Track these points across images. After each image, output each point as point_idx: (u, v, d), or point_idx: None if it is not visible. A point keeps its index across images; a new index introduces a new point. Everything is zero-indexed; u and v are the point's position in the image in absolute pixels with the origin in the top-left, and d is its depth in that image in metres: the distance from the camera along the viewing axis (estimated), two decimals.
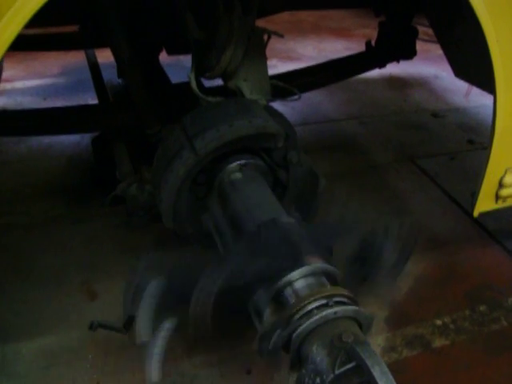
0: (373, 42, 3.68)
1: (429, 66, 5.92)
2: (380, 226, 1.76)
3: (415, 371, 2.34)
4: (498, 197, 2.39)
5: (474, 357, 2.43)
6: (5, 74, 4.53)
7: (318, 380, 1.31)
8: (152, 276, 1.68)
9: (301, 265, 1.55)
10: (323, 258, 1.62)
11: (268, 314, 1.55)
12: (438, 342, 2.49)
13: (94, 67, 3.60)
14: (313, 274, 1.55)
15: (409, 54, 3.66)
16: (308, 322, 1.40)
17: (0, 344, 2.34)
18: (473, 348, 2.47)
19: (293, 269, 1.54)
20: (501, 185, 2.34)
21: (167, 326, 1.64)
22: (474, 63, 2.57)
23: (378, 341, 2.44)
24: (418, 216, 3.33)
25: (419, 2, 3.17)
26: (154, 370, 1.60)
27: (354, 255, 1.68)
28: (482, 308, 2.68)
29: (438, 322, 2.59)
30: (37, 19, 1.43)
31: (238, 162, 2.08)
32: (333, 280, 1.59)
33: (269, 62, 2.49)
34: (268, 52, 2.44)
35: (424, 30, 3.96)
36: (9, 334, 2.39)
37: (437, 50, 3.17)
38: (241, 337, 1.89)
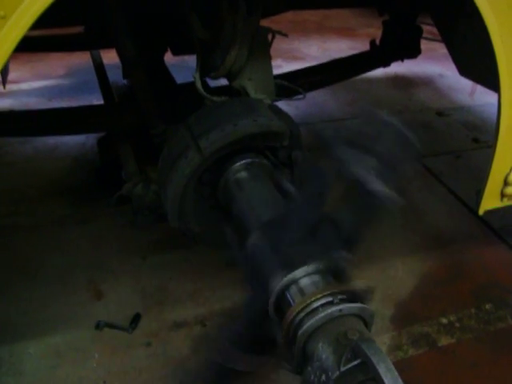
0: (377, 41, 3.68)
1: (433, 64, 5.91)
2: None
3: (421, 370, 2.34)
4: (503, 195, 2.38)
5: (480, 355, 2.43)
6: (11, 76, 4.54)
7: (323, 377, 1.31)
8: None
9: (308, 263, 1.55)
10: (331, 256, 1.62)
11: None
12: (444, 341, 2.49)
13: (100, 68, 3.61)
14: (318, 271, 1.55)
15: (413, 52, 3.65)
16: (313, 320, 1.40)
17: (7, 343, 2.36)
18: (479, 346, 2.48)
19: (299, 266, 1.54)
20: (506, 183, 2.34)
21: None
22: (478, 61, 2.56)
23: (383, 339, 2.44)
24: (423, 214, 3.33)
25: (423, 1, 3.17)
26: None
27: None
28: (488, 306, 2.68)
29: (444, 321, 2.59)
30: (42, 20, 1.44)
31: (243, 161, 2.08)
32: (338, 278, 1.59)
33: (273, 62, 2.49)
34: (272, 52, 2.45)
35: (428, 28, 3.95)
36: (16, 333, 2.41)
37: (441, 48, 3.17)
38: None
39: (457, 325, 2.57)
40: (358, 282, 1.52)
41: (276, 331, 1.54)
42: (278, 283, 1.52)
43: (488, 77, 2.16)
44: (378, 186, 1.48)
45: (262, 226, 1.73)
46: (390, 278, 2.83)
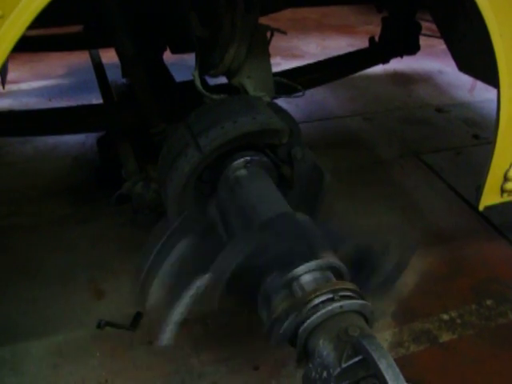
0: (376, 38, 3.68)
1: (433, 61, 5.90)
2: (379, 242, 1.76)
3: (422, 366, 2.34)
4: (503, 190, 2.38)
5: (481, 351, 2.43)
6: (10, 76, 4.54)
7: (324, 374, 1.31)
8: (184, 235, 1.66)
9: (314, 258, 1.55)
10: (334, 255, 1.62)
11: (278, 301, 1.55)
12: (445, 337, 2.49)
13: (99, 67, 3.61)
14: (319, 268, 1.55)
15: (412, 49, 3.65)
16: (314, 317, 1.40)
17: (9, 343, 2.36)
18: (480, 342, 2.48)
19: (304, 262, 1.54)
20: (506, 178, 2.34)
21: (198, 284, 1.59)
22: (477, 57, 2.56)
23: (384, 336, 2.44)
24: (423, 211, 3.34)
25: None
26: (168, 331, 1.57)
27: (351, 261, 1.67)
28: (489, 302, 2.68)
29: (445, 317, 2.59)
30: (41, 19, 1.44)
31: (243, 159, 2.07)
32: (340, 276, 1.60)
33: (272, 60, 2.49)
34: (271, 50, 2.44)
35: (427, 25, 3.95)
36: (18, 332, 2.41)
37: (440, 45, 3.18)
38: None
39: (458, 321, 2.57)
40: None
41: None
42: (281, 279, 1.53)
43: (487, 72, 2.16)
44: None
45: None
46: None
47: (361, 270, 1.69)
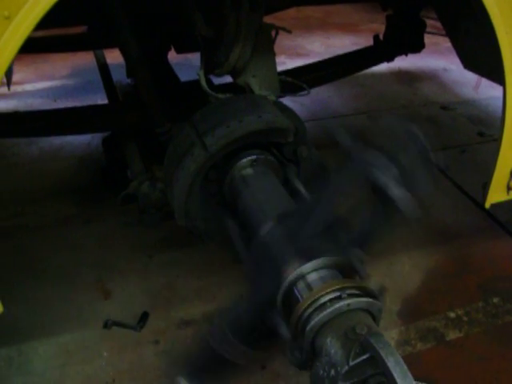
0: (381, 37, 3.68)
1: (437, 58, 5.89)
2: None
3: (429, 364, 2.34)
4: (509, 188, 2.38)
5: (488, 349, 2.43)
6: (15, 77, 4.56)
7: (332, 372, 1.31)
8: None
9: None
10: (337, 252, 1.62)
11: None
12: (452, 335, 2.49)
13: (103, 68, 3.62)
14: (325, 266, 1.55)
15: (417, 47, 3.64)
16: (321, 315, 1.40)
17: (16, 343, 2.37)
18: (487, 340, 2.47)
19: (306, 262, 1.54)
20: None
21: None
22: (482, 54, 2.56)
23: (391, 334, 2.44)
24: (429, 209, 3.33)
25: None
26: None
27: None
28: (496, 300, 2.68)
29: (452, 315, 2.59)
30: (46, 21, 1.45)
31: (249, 158, 2.07)
32: (346, 272, 1.59)
33: (277, 59, 2.49)
34: (276, 49, 2.45)
35: (432, 22, 3.94)
36: (25, 332, 2.42)
37: (445, 42, 3.17)
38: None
39: (464, 319, 2.57)
40: (371, 282, 1.53)
41: (278, 325, 1.54)
42: (289, 276, 1.52)
43: (493, 69, 2.16)
44: (399, 193, 1.48)
45: (277, 217, 1.73)
46: (397, 273, 2.83)
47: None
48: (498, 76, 2.11)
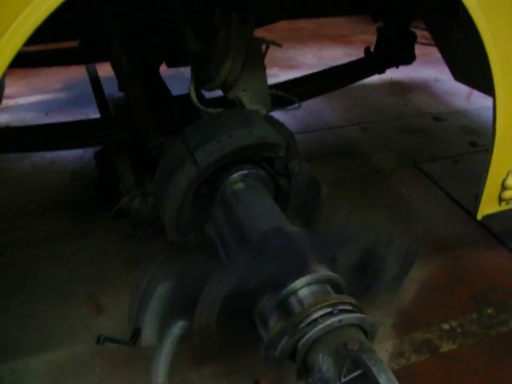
0: (372, 48, 3.69)
1: (429, 69, 5.92)
2: (382, 237, 1.76)
3: (424, 376, 2.33)
4: (501, 199, 2.39)
5: (483, 360, 2.42)
6: (7, 91, 4.55)
7: None
8: (161, 279, 1.67)
9: (306, 273, 1.55)
10: (328, 267, 1.62)
11: (274, 321, 1.55)
12: (446, 347, 2.48)
13: (95, 81, 3.62)
14: (317, 281, 1.55)
15: (408, 59, 3.66)
16: (313, 331, 1.40)
17: (8, 360, 2.35)
18: (481, 351, 2.47)
19: (298, 276, 1.54)
20: (504, 187, 2.35)
21: (175, 331, 1.62)
22: (472, 66, 2.57)
23: (385, 346, 2.43)
24: (422, 220, 3.33)
25: (417, 7, 3.18)
26: (159, 376, 1.59)
27: (355, 265, 1.67)
28: (489, 311, 2.68)
29: (446, 327, 2.58)
30: (37, 36, 1.44)
31: (240, 173, 2.08)
32: (337, 288, 1.59)
33: (269, 71, 2.50)
34: (268, 61, 2.45)
35: (423, 33, 3.97)
36: (16, 349, 2.40)
37: (436, 53, 3.18)
38: (246, 346, 1.88)
39: (458, 330, 2.56)
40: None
41: (259, 327, 1.55)
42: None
43: (483, 81, 2.17)
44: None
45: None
46: None
47: (366, 271, 1.69)
48: (487, 87, 2.11)
